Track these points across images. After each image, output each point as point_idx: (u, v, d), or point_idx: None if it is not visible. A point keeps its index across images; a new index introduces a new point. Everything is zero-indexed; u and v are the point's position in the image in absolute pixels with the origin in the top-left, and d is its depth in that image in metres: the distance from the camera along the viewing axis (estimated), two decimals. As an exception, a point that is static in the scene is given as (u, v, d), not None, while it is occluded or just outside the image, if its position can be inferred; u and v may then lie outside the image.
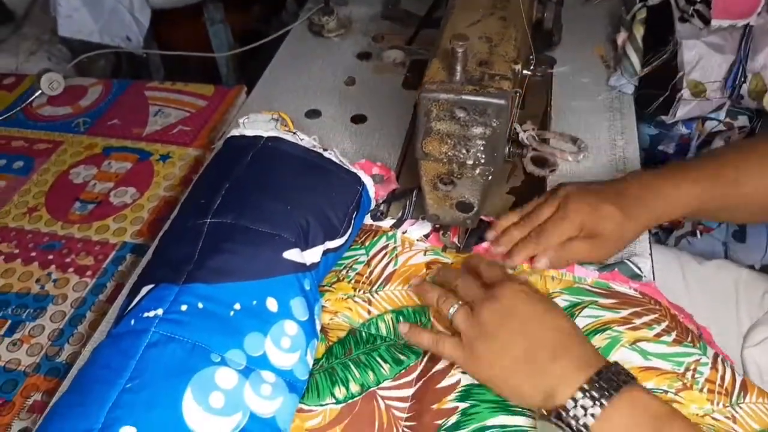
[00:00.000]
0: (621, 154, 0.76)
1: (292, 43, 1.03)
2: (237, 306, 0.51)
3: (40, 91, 0.98)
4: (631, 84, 0.84)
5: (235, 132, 0.64)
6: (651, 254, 0.65)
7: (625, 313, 0.58)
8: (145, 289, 0.51)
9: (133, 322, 0.49)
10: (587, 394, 0.45)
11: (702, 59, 0.79)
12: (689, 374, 0.54)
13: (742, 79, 0.80)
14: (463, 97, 0.51)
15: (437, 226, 0.67)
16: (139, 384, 0.45)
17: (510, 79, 0.52)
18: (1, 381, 0.63)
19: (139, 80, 1.01)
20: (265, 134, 0.63)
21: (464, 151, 0.54)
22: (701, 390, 0.53)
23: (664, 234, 0.99)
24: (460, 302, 0.54)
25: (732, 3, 0.78)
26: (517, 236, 0.62)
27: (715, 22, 0.79)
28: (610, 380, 0.46)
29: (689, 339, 0.56)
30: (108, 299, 0.69)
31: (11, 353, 0.65)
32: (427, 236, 0.67)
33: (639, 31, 0.82)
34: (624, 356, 0.54)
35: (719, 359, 0.55)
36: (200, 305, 0.50)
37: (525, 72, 0.57)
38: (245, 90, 0.96)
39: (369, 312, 0.60)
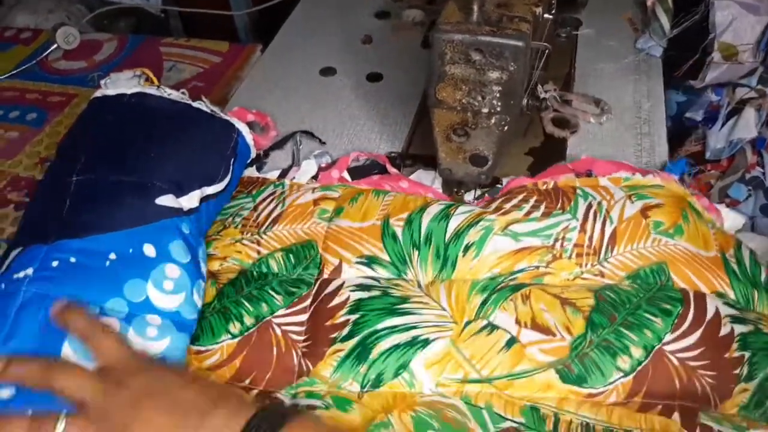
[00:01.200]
0: (646, 117, 0.73)
1: (310, 1, 1.01)
2: (112, 256, 0.50)
3: (55, 45, 0.97)
4: (659, 46, 0.81)
5: (97, 93, 0.62)
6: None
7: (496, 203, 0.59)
8: (14, 253, 0.50)
9: (2, 285, 0.48)
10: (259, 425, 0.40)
11: (735, 20, 0.75)
12: (558, 244, 0.55)
13: (776, 43, 0.76)
14: (479, 38, 0.48)
15: (323, 165, 0.68)
16: (16, 344, 0.45)
17: (530, 22, 0.49)
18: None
19: (156, 36, 1.00)
20: (129, 91, 0.61)
21: (479, 98, 0.52)
22: (570, 257, 0.55)
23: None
24: (64, 413, 0.42)
25: (770, -40, 0.74)
26: None
27: (751, -19, 0.75)
28: (275, 413, 0.41)
29: (559, 206, 0.58)
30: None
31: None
32: (315, 177, 0.67)
33: (668, -6, 0.79)
34: (497, 245, 0.56)
35: (589, 218, 0.56)
36: (72, 260, 0.49)
37: (546, 16, 0.55)
38: (260, 47, 0.94)
39: (258, 252, 0.59)
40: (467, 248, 0.56)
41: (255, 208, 0.63)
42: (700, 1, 0.78)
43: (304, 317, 0.54)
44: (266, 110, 0.76)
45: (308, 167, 0.67)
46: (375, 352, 0.50)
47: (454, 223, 0.57)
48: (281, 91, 0.82)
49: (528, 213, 0.57)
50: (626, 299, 0.51)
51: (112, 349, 0.45)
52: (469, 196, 0.63)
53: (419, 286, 0.55)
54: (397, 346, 0.50)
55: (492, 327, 0.50)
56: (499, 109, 0.52)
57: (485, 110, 0.52)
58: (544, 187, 0.60)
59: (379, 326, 0.52)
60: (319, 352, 0.52)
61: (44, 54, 0.97)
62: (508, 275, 0.54)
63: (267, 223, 0.62)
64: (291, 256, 0.59)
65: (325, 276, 0.57)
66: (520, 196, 0.59)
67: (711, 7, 0.77)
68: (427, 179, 0.66)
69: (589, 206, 0.57)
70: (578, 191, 0.59)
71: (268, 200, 0.64)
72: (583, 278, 0.54)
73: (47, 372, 0.43)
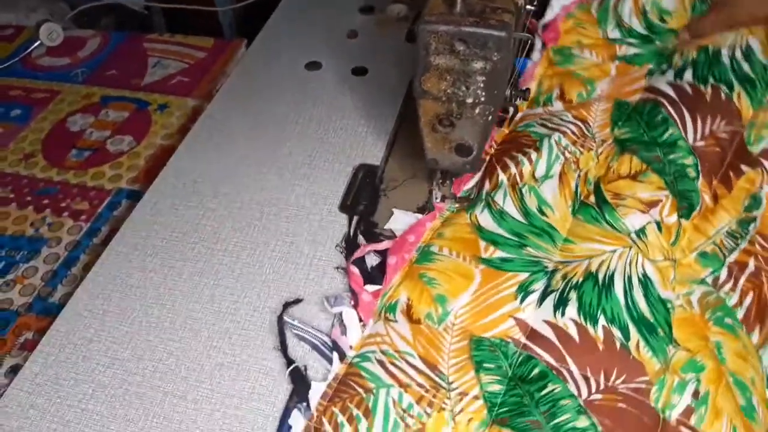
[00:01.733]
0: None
1: (295, -3, 1.01)
2: None
3: (39, 42, 0.97)
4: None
5: None
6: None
7: None
8: None
9: None
10: None
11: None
12: None
13: None
14: (463, 28, 0.49)
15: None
16: None
17: (512, 12, 0.50)
18: (-6, 320, 0.63)
19: (139, 33, 1.00)
20: None
21: (464, 89, 0.53)
22: None
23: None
24: None
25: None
26: None
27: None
28: None
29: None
30: (102, 242, 0.68)
31: (4, 294, 0.65)
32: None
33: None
34: None
35: None
36: None
37: (528, 7, 0.56)
38: (245, 43, 0.94)
39: None
40: None
41: None
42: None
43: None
44: (252, 105, 0.77)
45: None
46: None
47: None
48: (267, 86, 0.83)
49: None
50: None
51: None
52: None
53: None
54: None
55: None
56: (483, 99, 0.53)
57: (470, 100, 0.53)
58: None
59: None
60: None
61: (27, 51, 0.97)
62: None
63: None
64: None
65: None
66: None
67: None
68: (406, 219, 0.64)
69: None
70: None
71: None
72: None
73: None
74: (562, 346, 0.50)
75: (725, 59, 0.68)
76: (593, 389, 0.48)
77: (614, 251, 0.56)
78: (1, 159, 0.80)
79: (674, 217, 0.58)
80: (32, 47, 0.97)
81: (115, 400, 0.53)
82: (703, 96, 0.65)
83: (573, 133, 0.65)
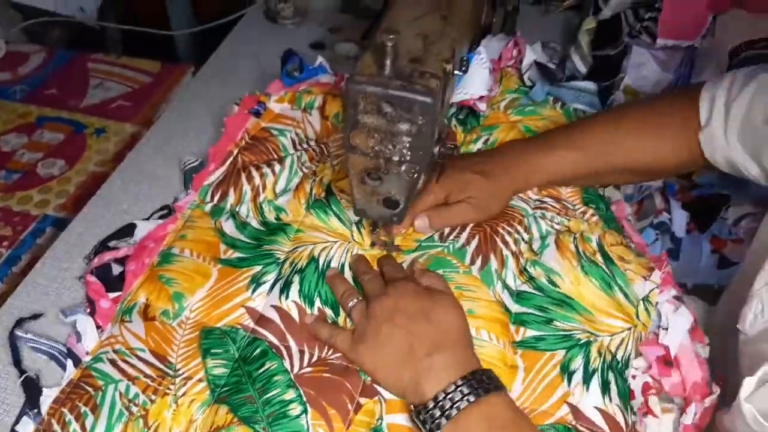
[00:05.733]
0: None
1: (246, 27, 1.02)
2: None
3: (-22, 54, 0.95)
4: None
5: None
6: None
7: None
8: None
9: None
10: (459, 389, 0.47)
11: (644, 69, 0.81)
12: None
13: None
14: (390, 91, 0.50)
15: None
16: None
17: (440, 78, 0.51)
18: None
19: (87, 51, 0.98)
20: None
21: (390, 147, 0.54)
22: None
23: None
24: (359, 298, 0.57)
25: (678, 24, 0.80)
26: None
27: (660, 41, 0.80)
28: (482, 382, 0.48)
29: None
30: (21, 272, 0.66)
31: None
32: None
33: (585, 39, 0.83)
34: None
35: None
36: None
37: (456, 72, 0.57)
38: (192, 70, 0.93)
39: None
40: None
41: None
42: (618, 41, 0.83)
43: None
44: (193, 133, 0.76)
45: None
46: None
47: None
48: (209, 115, 0.82)
49: None
50: None
51: (396, 274, 0.59)
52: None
53: None
54: None
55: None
56: (408, 158, 0.54)
57: (396, 158, 0.54)
58: None
59: None
60: None
61: (-35, 62, 0.94)
62: None
63: None
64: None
65: None
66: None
67: (629, 50, 0.83)
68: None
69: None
70: None
71: None
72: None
73: (366, 270, 0.60)
74: (284, 326, 0.57)
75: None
76: (305, 363, 0.54)
77: (336, 242, 0.64)
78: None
79: None
80: (-29, 59, 0.95)
81: None
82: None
83: (314, 151, 0.73)
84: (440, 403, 0.47)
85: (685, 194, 0.90)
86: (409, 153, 0.53)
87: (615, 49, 0.81)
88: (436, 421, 0.47)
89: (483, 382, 0.48)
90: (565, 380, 0.55)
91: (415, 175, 0.56)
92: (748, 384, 0.45)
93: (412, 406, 0.50)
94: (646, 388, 0.54)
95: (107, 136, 0.81)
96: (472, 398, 0.47)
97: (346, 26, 1.00)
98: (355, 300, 0.57)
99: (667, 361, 0.55)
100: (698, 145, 0.63)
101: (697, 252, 0.94)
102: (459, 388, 0.47)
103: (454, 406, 0.47)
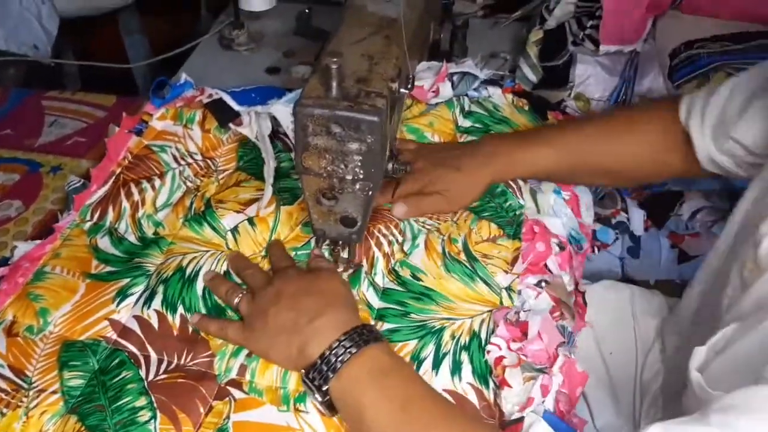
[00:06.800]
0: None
1: (202, 55, 1.02)
2: None
3: (-71, 98, 0.93)
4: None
5: None
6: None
7: None
8: None
9: None
10: (341, 344, 0.51)
11: (591, 76, 0.83)
12: None
13: (629, 102, 0.84)
14: (337, 112, 0.51)
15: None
16: None
17: (386, 97, 0.53)
18: None
19: (42, 90, 0.97)
20: None
21: (342, 166, 0.55)
22: None
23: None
24: (243, 292, 0.60)
25: (619, 30, 0.82)
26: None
27: (603, 47, 0.82)
28: (362, 335, 0.52)
29: None
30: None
31: None
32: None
33: (533, 50, 0.86)
34: None
35: None
36: None
37: (402, 90, 0.58)
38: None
39: None
40: None
41: None
42: (564, 51, 0.85)
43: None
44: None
45: None
46: None
47: None
48: (167, 147, 0.82)
49: None
50: None
51: (282, 264, 0.63)
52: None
53: None
54: None
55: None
56: (361, 176, 0.55)
57: (349, 177, 0.55)
58: None
59: None
60: None
61: None
62: None
63: None
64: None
65: None
66: None
67: (573, 61, 0.85)
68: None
69: None
70: None
71: None
72: None
73: (247, 266, 0.63)
74: (144, 335, 0.59)
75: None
76: (161, 370, 0.57)
77: (207, 251, 0.66)
78: None
79: (272, 208, 0.69)
80: None
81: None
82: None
83: (199, 165, 0.75)
84: (326, 359, 0.51)
85: (640, 193, 0.93)
86: (361, 171, 0.54)
87: (561, 60, 0.84)
88: (324, 376, 0.51)
89: (363, 335, 0.52)
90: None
91: (370, 193, 0.57)
92: (699, 353, 0.47)
93: (303, 370, 0.53)
94: (497, 362, 0.56)
95: (64, 174, 0.80)
96: (354, 350, 0.51)
97: (301, 49, 1.02)
98: (240, 295, 0.59)
99: (524, 332, 0.58)
100: (679, 147, 0.65)
101: (657, 248, 0.97)
102: (341, 343, 0.51)
103: (339, 359, 0.51)
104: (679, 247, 0.94)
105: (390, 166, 0.59)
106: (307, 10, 1.04)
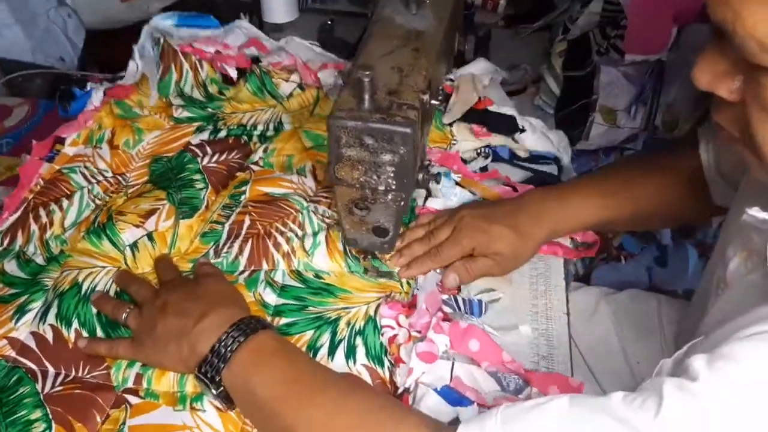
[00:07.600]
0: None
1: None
2: None
3: (-39, 111, 0.95)
4: (550, 107, 0.87)
5: None
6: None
7: None
8: None
9: None
10: (230, 335, 0.53)
11: (614, 85, 0.83)
12: None
13: (655, 111, 0.84)
14: (370, 124, 0.52)
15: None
16: None
17: (417, 109, 0.53)
18: None
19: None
20: None
21: (375, 177, 0.55)
22: None
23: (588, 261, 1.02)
24: (130, 308, 0.60)
25: (644, 39, 0.82)
26: (418, 252, 0.65)
27: (628, 56, 0.83)
28: (250, 324, 0.54)
29: None
30: None
31: None
32: None
33: (557, 61, 0.86)
34: None
35: None
36: None
37: (433, 102, 0.59)
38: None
39: None
40: None
41: None
42: (588, 60, 0.86)
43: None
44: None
45: None
46: None
47: None
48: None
49: None
50: None
51: (169, 275, 0.64)
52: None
53: None
54: None
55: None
56: (394, 186, 0.55)
57: (381, 188, 0.56)
58: None
59: None
60: None
61: (-51, 120, 0.95)
62: None
63: None
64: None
65: None
66: None
67: (597, 71, 0.85)
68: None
69: None
70: None
71: None
72: None
73: (131, 281, 0.63)
74: (40, 350, 0.60)
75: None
76: (58, 383, 0.57)
77: (105, 267, 0.66)
78: None
79: (171, 221, 0.68)
80: (-45, 116, 0.95)
81: None
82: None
83: (108, 183, 0.75)
84: (216, 351, 0.52)
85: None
86: (394, 182, 0.55)
87: (584, 70, 0.84)
88: (216, 367, 0.52)
89: (251, 324, 0.54)
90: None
91: (402, 203, 0.57)
92: (666, 365, 0.46)
93: (196, 368, 0.53)
94: (391, 341, 0.58)
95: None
96: (242, 338, 0.53)
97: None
98: (128, 310, 0.60)
99: (412, 305, 0.60)
100: (704, 189, 0.64)
101: (684, 258, 0.96)
102: (230, 334, 0.53)
103: (228, 349, 0.52)
104: (707, 257, 0.94)
105: (420, 176, 0.60)
106: (330, 22, 1.06)
